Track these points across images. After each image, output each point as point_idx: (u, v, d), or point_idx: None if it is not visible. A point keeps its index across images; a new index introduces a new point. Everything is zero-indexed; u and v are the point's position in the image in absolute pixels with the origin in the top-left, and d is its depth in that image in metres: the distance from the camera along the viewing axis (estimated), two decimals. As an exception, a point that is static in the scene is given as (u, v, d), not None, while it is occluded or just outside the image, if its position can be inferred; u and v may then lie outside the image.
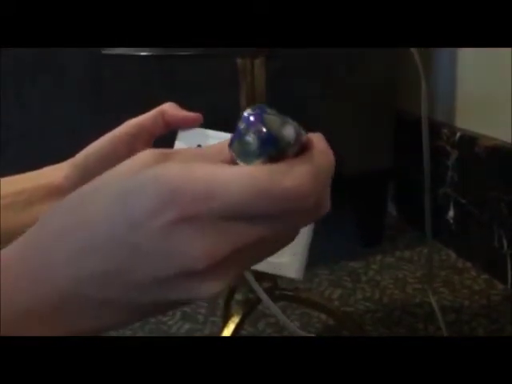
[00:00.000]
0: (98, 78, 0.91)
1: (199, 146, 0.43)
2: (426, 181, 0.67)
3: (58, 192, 0.41)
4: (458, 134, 1.11)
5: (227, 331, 0.72)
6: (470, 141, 1.08)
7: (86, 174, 0.41)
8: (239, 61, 0.70)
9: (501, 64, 0.99)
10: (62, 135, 0.90)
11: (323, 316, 0.96)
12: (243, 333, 0.92)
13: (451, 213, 1.14)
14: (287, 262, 0.39)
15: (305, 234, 0.40)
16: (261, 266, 0.40)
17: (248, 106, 0.82)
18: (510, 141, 1.00)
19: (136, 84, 0.93)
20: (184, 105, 0.46)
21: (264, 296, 0.47)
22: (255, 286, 0.48)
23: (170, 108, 0.44)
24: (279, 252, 0.40)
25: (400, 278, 1.08)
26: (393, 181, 1.29)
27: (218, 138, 0.43)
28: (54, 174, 0.42)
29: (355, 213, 1.25)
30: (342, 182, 1.13)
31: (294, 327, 0.47)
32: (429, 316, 0.95)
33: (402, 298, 1.02)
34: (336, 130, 1.06)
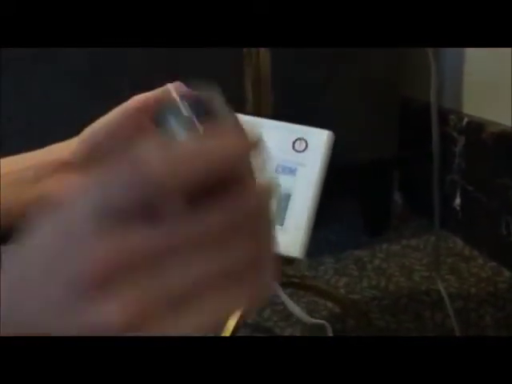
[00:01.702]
0: (99, 68, 0.91)
1: None
2: (435, 168, 0.67)
3: (65, 168, 0.41)
4: (465, 121, 1.09)
5: (233, 319, 0.72)
6: (477, 127, 1.07)
7: (94, 149, 0.41)
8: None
9: (508, 50, 0.98)
10: (63, 128, 0.89)
11: (329, 304, 0.96)
12: (248, 321, 0.92)
13: (458, 200, 1.14)
14: (289, 239, 0.39)
15: (306, 211, 0.39)
16: None
17: (253, 92, 0.80)
18: (517, 127, 0.99)
19: (138, 72, 0.93)
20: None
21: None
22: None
23: (176, 86, 0.44)
24: (281, 229, 0.39)
25: (406, 266, 1.07)
26: (398, 169, 1.28)
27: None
28: (62, 150, 0.42)
29: (360, 201, 1.24)
30: (347, 171, 1.13)
31: (301, 312, 0.46)
32: (435, 304, 0.95)
33: (408, 286, 1.01)
34: (340, 118, 1.05)
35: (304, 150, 0.39)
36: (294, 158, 0.40)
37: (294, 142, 0.40)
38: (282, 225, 0.39)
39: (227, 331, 0.71)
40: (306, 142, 0.40)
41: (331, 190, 1.07)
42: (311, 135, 0.40)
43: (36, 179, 0.40)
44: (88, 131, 0.42)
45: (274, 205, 0.40)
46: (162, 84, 0.50)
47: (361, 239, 1.18)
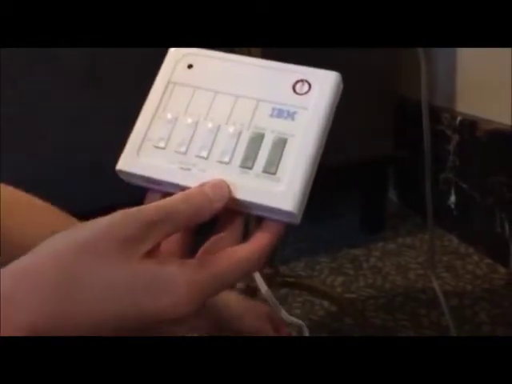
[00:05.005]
0: (97, 67, 0.90)
1: (190, 65, 0.38)
2: (426, 167, 0.67)
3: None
4: (459, 119, 1.10)
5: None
6: (470, 125, 1.07)
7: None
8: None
9: (500, 48, 0.98)
10: (62, 128, 0.89)
11: (325, 303, 0.96)
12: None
13: (453, 198, 1.14)
14: (281, 190, 0.33)
15: (304, 160, 0.33)
16: (251, 197, 0.33)
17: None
18: (510, 124, 0.99)
19: (138, 72, 0.92)
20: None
21: (261, 283, 0.45)
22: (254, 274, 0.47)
23: None
24: (273, 179, 0.33)
25: (402, 265, 1.08)
26: (394, 167, 1.28)
27: (210, 57, 0.38)
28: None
29: (356, 200, 1.24)
30: (343, 169, 1.13)
31: (285, 314, 0.45)
32: (431, 301, 0.95)
33: (404, 284, 1.01)
34: (336, 116, 1.05)
35: (306, 93, 0.35)
36: (293, 100, 0.35)
37: (294, 84, 0.36)
38: (274, 173, 0.34)
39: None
40: (309, 83, 0.35)
41: (327, 189, 1.06)
42: (315, 76, 0.35)
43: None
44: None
45: (265, 152, 0.34)
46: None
47: (357, 238, 1.18)
